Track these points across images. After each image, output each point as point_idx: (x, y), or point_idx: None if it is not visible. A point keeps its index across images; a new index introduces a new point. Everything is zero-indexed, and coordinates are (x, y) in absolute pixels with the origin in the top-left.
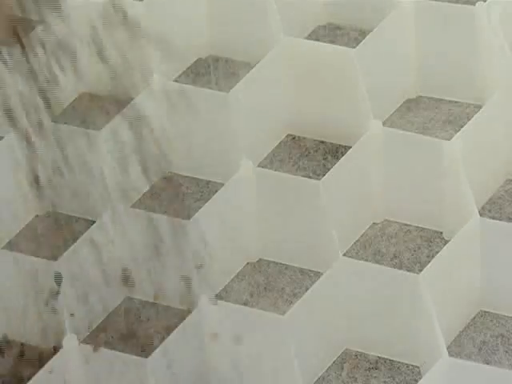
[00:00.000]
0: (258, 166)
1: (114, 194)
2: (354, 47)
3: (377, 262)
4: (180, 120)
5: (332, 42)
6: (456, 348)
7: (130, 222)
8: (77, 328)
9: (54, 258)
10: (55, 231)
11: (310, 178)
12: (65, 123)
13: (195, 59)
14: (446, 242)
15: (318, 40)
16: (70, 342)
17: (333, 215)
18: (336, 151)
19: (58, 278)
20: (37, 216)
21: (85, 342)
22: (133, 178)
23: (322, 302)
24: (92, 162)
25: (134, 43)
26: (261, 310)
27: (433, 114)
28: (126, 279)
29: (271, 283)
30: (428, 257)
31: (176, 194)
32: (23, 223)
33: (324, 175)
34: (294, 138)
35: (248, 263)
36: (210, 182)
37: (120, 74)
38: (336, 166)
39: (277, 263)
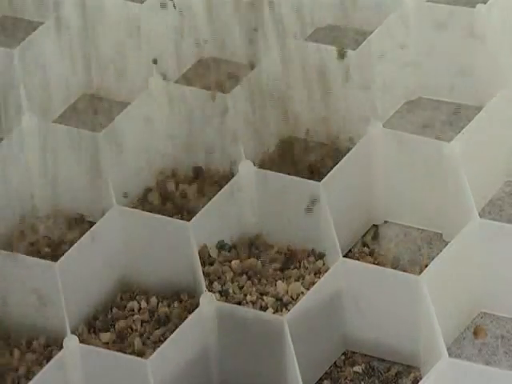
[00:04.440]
0: (259, 167)
1: None
2: (354, 49)
3: (377, 263)
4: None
5: (332, 43)
6: (456, 349)
7: None
8: None
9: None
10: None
11: (310, 179)
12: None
13: (195, 60)
14: (446, 243)
15: (318, 41)
16: (70, 342)
17: (333, 217)
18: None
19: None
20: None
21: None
22: None
23: (322, 304)
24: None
25: None
26: None
27: (433, 115)
28: None
29: None
30: (428, 258)
31: None
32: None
33: (324, 176)
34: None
35: None
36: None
37: None
38: (336, 167)
39: None
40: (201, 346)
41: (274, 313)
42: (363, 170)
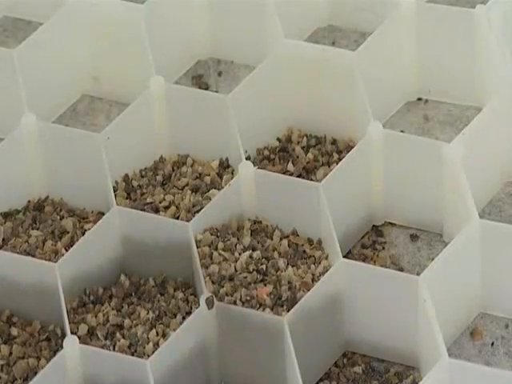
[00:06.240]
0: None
1: None
2: (354, 49)
3: (377, 264)
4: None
5: (332, 43)
6: (456, 350)
7: None
8: None
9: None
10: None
11: (310, 179)
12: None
13: (195, 61)
14: (446, 243)
15: (317, 42)
16: (70, 342)
17: (333, 217)
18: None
19: None
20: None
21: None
22: None
23: (322, 304)
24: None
25: None
26: None
27: (433, 115)
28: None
29: None
30: (428, 259)
31: None
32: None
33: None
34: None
35: None
36: None
37: None
38: (336, 167)
39: None
40: (201, 345)
41: (272, 309)
42: (363, 171)
